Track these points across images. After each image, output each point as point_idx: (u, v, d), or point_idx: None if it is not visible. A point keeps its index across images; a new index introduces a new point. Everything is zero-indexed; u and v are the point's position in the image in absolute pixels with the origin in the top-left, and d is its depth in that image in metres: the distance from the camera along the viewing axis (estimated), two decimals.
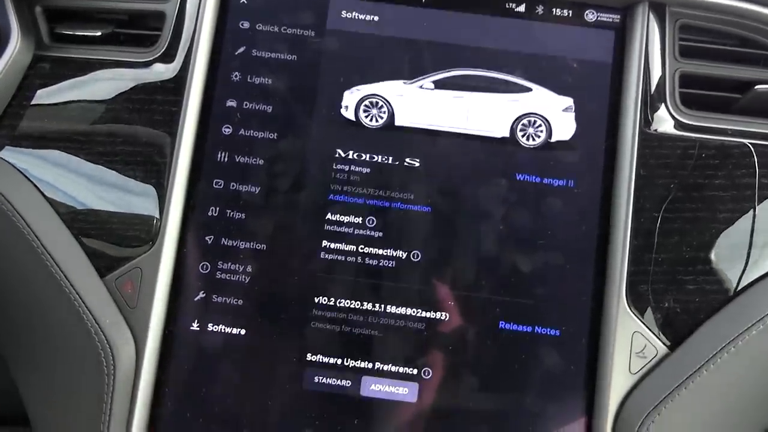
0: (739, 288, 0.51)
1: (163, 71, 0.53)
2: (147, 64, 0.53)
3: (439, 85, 0.53)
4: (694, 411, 0.47)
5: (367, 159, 0.52)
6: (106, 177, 0.52)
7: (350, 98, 0.53)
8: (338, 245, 0.51)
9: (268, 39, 0.53)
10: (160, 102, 0.52)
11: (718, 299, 0.50)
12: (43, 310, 0.49)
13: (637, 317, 0.49)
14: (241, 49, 0.53)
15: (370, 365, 0.50)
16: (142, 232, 0.51)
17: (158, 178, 0.51)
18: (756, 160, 0.52)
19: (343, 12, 0.53)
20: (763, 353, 0.48)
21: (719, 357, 0.48)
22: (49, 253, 0.49)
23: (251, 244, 0.51)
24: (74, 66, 0.54)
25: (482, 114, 0.53)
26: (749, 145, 0.52)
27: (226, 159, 0.52)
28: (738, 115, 0.53)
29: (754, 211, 0.51)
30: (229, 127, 0.53)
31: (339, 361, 0.50)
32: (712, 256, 0.51)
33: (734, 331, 0.48)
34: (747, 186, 0.52)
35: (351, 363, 0.50)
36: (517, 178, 0.52)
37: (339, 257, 0.51)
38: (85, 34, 0.54)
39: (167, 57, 0.53)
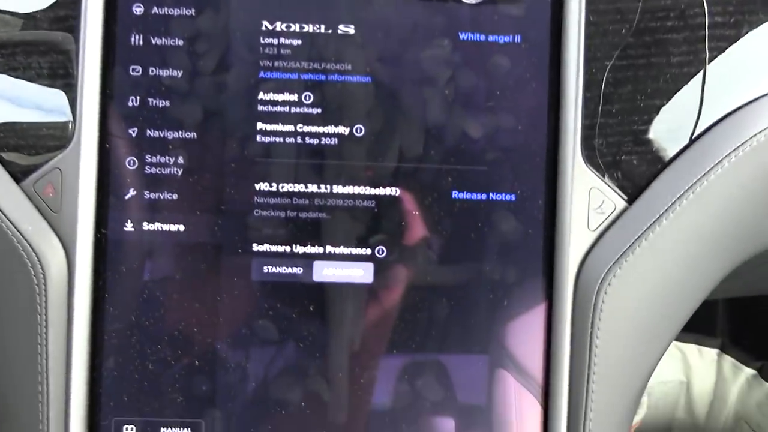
0: (696, 134, 0.49)
1: None
2: None
3: None
4: (656, 262, 0.47)
5: (297, 29, 0.48)
6: (6, 86, 0.47)
7: None
8: (275, 126, 0.48)
9: None
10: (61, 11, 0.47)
11: (675, 146, 0.49)
12: None
13: (594, 172, 0.47)
14: None
15: (321, 249, 0.48)
16: (57, 132, 0.46)
17: (66, 72, 0.46)
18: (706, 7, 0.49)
19: None
20: (721, 197, 0.47)
21: (677, 205, 0.46)
22: None
23: (180, 133, 0.47)
24: None
25: None
26: None
27: (141, 42, 0.47)
28: None
29: (706, 53, 0.49)
30: (140, 6, 0.47)
31: (287, 249, 0.48)
32: (668, 103, 0.49)
33: (691, 177, 0.47)
34: (699, 26, 0.49)
35: (300, 249, 0.48)
36: (461, 38, 0.48)
37: (277, 139, 0.48)
38: None
39: None
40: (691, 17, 0.49)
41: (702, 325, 0.98)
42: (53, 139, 0.46)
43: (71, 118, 0.46)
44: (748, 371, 0.94)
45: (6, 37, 0.47)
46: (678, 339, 0.97)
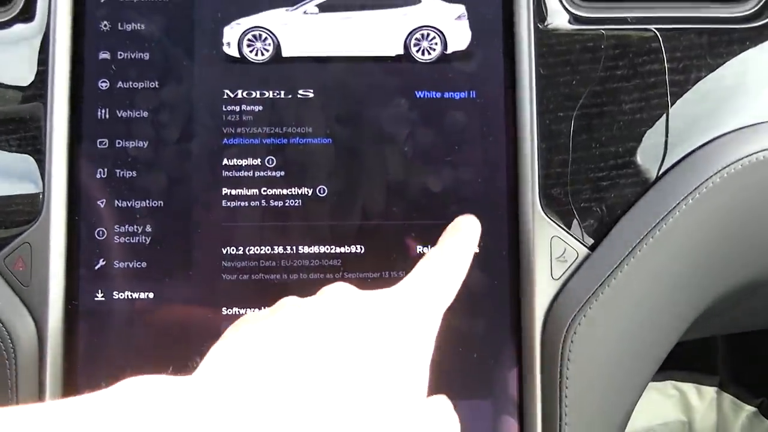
0: (655, 176, 0.49)
1: (23, 30, 0.49)
2: (4, 26, 0.49)
3: (324, 7, 0.50)
4: (621, 308, 0.47)
5: (258, 96, 0.49)
6: None
7: (231, 34, 0.50)
8: (239, 191, 0.49)
9: None
10: (26, 62, 0.48)
11: (635, 192, 0.49)
12: None
13: (554, 221, 0.48)
14: None
15: None
16: (26, 207, 0.47)
17: (34, 146, 0.48)
18: (662, 45, 0.50)
19: None
20: (683, 239, 0.47)
21: (638, 249, 0.47)
22: None
23: (147, 202, 0.48)
24: None
25: (373, 33, 0.50)
26: (654, 30, 0.50)
27: (107, 116, 0.49)
28: (637, 1, 0.52)
29: (668, 97, 0.50)
30: (105, 81, 0.49)
31: (256, 311, 0.48)
32: (623, 149, 0.49)
33: (652, 221, 0.47)
34: (656, 73, 0.50)
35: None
36: (417, 96, 0.50)
37: (242, 203, 0.49)
38: None
39: (25, 14, 0.49)
40: (640, 65, 0.50)
41: (699, 364, 0.97)
42: (22, 213, 0.47)
43: (41, 187, 0.47)
44: (749, 409, 0.92)
45: None
46: (675, 378, 0.96)
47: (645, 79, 0.50)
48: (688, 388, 0.96)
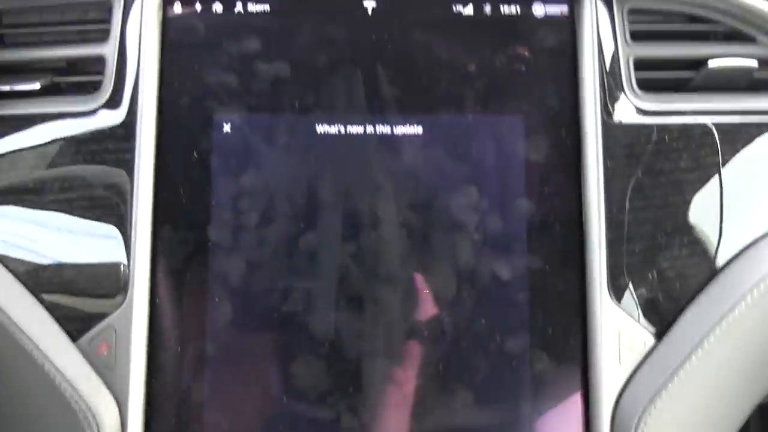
0: (718, 266, 0.51)
1: (110, 118, 0.51)
2: (92, 113, 0.51)
3: None
4: (689, 398, 0.48)
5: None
6: (63, 227, 0.50)
7: None
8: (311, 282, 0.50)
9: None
10: (111, 150, 0.50)
11: (699, 282, 0.50)
12: (19, 386, 0.47)
13: (622, 311, 0.49)
14: None
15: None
16: (111, 283, 0.49)
17: (120, 224, 0.49)
18: (717, 137, 0.52)
19: None
20: (748, 331, 0.48)
21: (705, 342, 0.48)
22: (16, 324, 0.47)
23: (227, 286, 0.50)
24: (15, 123, 0.52)
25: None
26: (709, 124, 0.52)
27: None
28: (694, 93, 0.53)
29: (721, 187, 0.51)
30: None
31: (324, 397, 0.49)
32: (687, 239, 0.51)
33: (717, 313, 0.48)
34: (711, 164, 0.52)
35: (336, 398, 0.49)
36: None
37: (316, 285, 0.50)
38: (23, 89, 0.52)
39: (113, 102, 0.51)
40: (702, 157, 0.51)
41: None
42: (108, 288, 0.48)
43: (126, 263, 0.48)
44: None
45: (58, 175, 0.50)
46: None
47: (705, 171, 0.51)
48: None
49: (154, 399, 0.48)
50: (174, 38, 0.52)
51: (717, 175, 0.51)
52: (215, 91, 0.51)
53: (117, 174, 0.50)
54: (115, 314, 0.48)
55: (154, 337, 0.49)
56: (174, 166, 0.50)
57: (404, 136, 0.51)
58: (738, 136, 0.52)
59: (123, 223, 0.49)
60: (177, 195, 0.50)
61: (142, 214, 0.49)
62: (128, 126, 0.50)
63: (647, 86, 0.52)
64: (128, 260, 0.48)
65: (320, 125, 0.51)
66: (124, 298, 0.48)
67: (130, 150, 0.50)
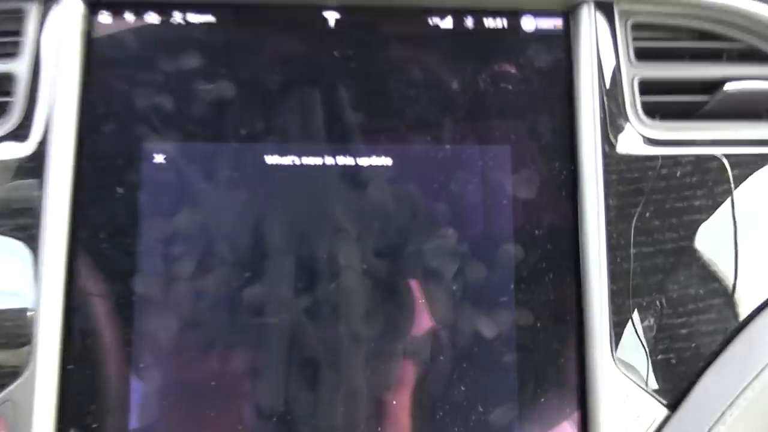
0: (740, 322, 0.43)
1: (17, 149, 0.43)
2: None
3: None
4: None
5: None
6: None
7: None
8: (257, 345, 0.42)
9: None
10: (16, 188, 0.42)
11: (717, 341, 0.43)
12: None
13: (628, 377, 0.42)
14: None
15: None
16: (10, 353, 0.40)
17: (25, 277, 0.41)
18: (732, 171, 0.45)
19: None
20: None
21: (728, 414, 0.40)
22: None
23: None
24: None
25: None
26: (721, 157, 0.45)
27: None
28: (706, 119, 0.46)
29: (735, 231, 0.44)
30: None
31: None
32: (704, 290, 0.43)
33: (741, 380, 0.41)
34: (728, 202, 0.45)
35: None
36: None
37: (262, 349, 0.42)
38: None
39: (21, 129, 0.43)
40: (717, 195, 0.44)
41: None
42: (4, 357, 0.40)
43: (29, 325, 0.40)
44: None
45: None
46: None
47: (721, 211, 0.44)
48: None
49: None
50: (99, 54, 0.44)
51: (732, 215, 0.44)
52: (146, 116, 0.44)
53: (23, 214, 0.42)
54: (14, 386, 0.40)
55: (63, 415, 0.40)
56: (93, 206, 0.42)
57: (370, 168, 0.43)
58: (758, 169, 0.45)
59: (29, 274, 0.41)
60: (96, 240, 0.42)
61: (51, 264, 0.41)
62: (38, 158, 0.42)
63: (654, 112, 0.45)
64: (33, 324, 0.40)
65: (270, 156, 0.43)
66: (26, 368, 0.40)
67: (39, 187, 0.42)
